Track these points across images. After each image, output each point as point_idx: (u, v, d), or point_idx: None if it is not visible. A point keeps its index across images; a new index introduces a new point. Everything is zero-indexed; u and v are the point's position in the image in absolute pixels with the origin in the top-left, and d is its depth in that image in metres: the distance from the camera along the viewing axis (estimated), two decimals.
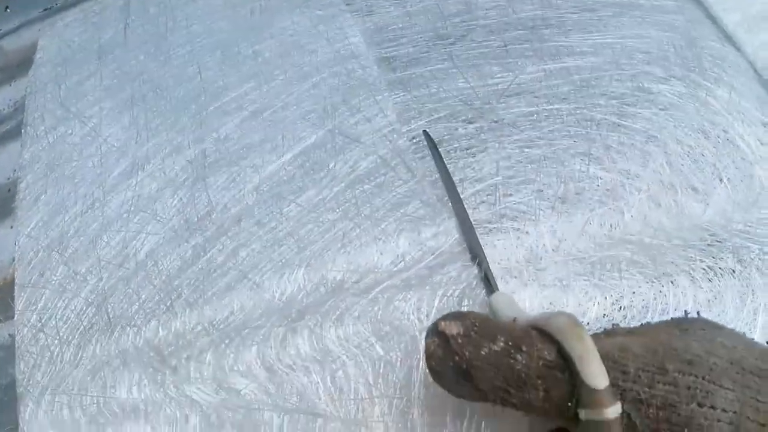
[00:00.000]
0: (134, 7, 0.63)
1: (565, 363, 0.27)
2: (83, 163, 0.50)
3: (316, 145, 0.48)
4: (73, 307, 0.43)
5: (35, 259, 0.46)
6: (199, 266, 0.43)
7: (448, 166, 0.44)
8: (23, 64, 0.65)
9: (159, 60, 0.57)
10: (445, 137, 0.46)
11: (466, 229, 0.41)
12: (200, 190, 0.47)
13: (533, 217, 0.42)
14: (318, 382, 0.38)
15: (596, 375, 0.26)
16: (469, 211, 0.42)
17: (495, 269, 0.39)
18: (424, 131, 0.47)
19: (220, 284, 0.42)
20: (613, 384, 0.27)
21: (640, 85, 0.49)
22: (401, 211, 0.43)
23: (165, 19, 0.61)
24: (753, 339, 0.30)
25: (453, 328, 0.28)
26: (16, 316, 0.43)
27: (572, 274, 0.39)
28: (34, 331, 0.43)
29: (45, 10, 0.72)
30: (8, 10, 0.78)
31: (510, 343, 0.28)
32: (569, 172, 0.44)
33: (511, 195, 0.43)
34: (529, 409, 0.28)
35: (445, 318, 0.29)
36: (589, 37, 0.53)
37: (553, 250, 0.41)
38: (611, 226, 0.42)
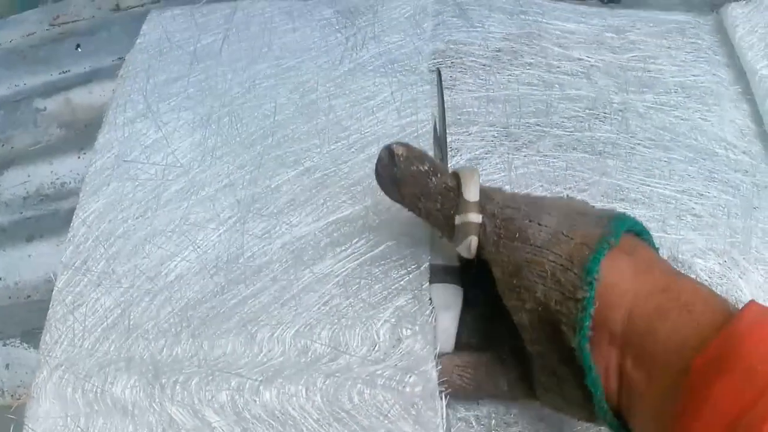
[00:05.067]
0: (238, 20, 0.71)
1: (457, 189, 0.43)
2: (147, 168, 0.59)
3: (349, 219, 0.55)
4: (102, 303, 0.52)
5: (83, 245, 0.55)
6: (213, 304, 0.52)
7: None
8: (92, 125, 0.63)
9: (244, 86, 0.65)
10: None
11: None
12: (238, 232, 0.55)
13: None
14: None
15: (471, 193, 0.43)
16: None
17: None
18: (437, 69, 0.63)
19: (223, 326, 0.51)
20: (482, 206, 0.43)
21: (676, 256, 0.54)
22: (394, 303, 0.50)
23: (261, 43, 0.68)
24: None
25: (400, 150, 0.44)
26: (54, 291, 0.53)
27: None
28: (65, 311, 0.52)
29: (119, 58, 0.73)
30: (79, 50, 0.77)
31: (432, 169, 0.44)
32: None
33: None
34: (428, 215, 0.45)
35: (398, 143, 0.44)
36: (648, 182, 0.58)
37: None
38: None
